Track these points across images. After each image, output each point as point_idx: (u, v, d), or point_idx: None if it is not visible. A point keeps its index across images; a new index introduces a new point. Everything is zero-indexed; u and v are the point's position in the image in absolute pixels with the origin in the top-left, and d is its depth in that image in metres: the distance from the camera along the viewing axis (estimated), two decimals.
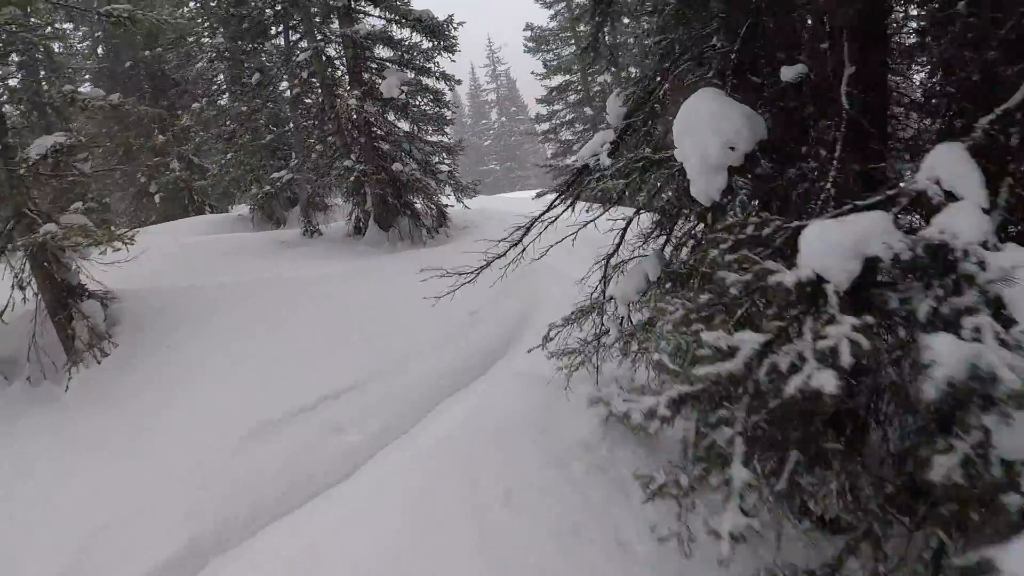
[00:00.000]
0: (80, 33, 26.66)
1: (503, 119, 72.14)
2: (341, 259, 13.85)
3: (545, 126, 32.77)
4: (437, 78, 15.68)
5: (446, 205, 16.48)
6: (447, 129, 16.29)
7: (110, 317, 10.28)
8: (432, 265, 6.32)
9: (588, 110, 30.71)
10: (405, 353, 9.30)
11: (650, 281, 5.24)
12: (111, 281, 10.50)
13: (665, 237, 5.59)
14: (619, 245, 5.87)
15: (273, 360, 9.13)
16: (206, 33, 20.23)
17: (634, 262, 5.67)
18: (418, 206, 15.92)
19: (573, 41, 30.56)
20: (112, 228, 9.84)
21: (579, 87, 31.06)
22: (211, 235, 17.23)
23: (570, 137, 32.35)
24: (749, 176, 4.07)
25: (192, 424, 7.98)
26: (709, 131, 3.89)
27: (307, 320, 10.18)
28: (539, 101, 31.96)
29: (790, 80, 4.16)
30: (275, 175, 16.75)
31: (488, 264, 5.79)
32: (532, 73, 31.80)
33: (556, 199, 5.76)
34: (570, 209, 5.75)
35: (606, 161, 4.91)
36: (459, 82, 15.91)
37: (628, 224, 5.72)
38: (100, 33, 25.81)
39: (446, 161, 16.30)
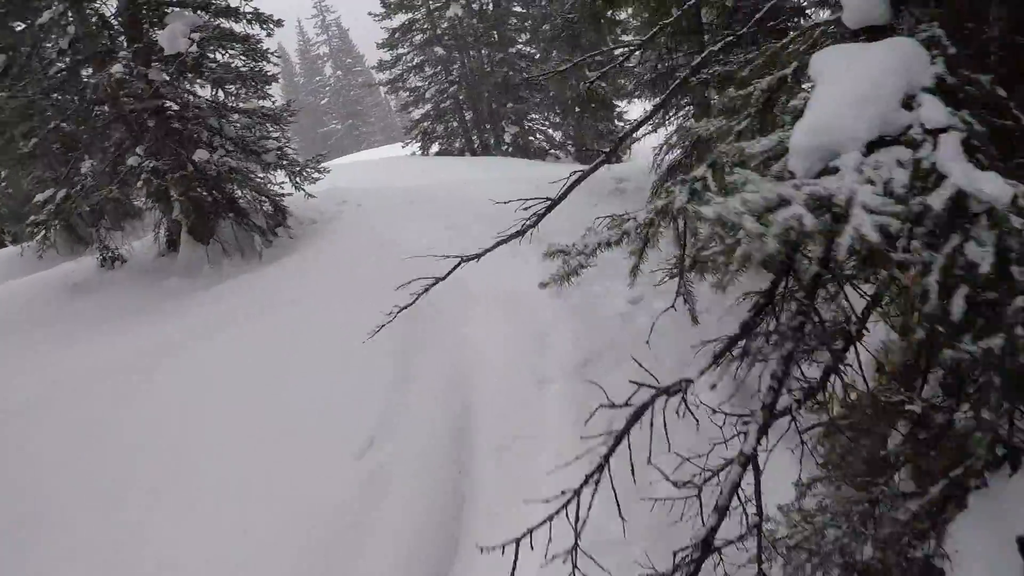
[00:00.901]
0: None
1: (339, 73, 66.29)
2: (133, 319, 9.16)
3: (388, 74, 28.22)
4: (249, 20, 11.23)
5: (281, 195, 11.96)
6: (271, 90, 11.64)
7: None
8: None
9: (439, 50, 26.46)
10: None
11: None
12: None
13: None
14: None
15: None
16: None
17: None
18: (244, 203, 11.45)
19: None
20: None
21: (425, 25, 26.72)
22: None
23: (419, 83, 28.03)
24: None
25: None
26: None
27: None
28: (380, 46, 27.35)
29: None
30: (40, 197, 11.53)
31: None
32: (369, 14, 27.11)
33: None
34: None
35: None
36: (280, 23, 11.31)
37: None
38: None
39: (272, 134, 11.67)
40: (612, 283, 7.38)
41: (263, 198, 11.49)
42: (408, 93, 28.31)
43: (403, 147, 29.80)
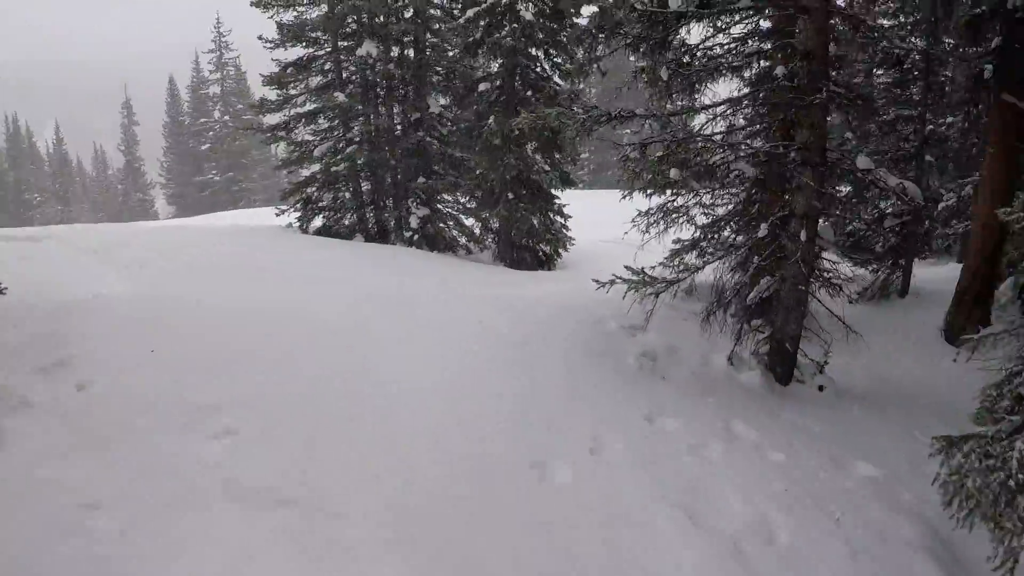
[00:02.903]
0: None
1: (227, 118, 59.47)
2: None
3: (275, 118, 21.70)
4: None
5: None
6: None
7: None
8: None
9: (339, 95, 20.32)
10: None
11: None
12: None
13: None
14: None
15: None
16: None
17: None
18: None
19: None
20: None
21: (327, 65, 20.85)
22: None
23: (309, 137, 21.53)
24: None
25: None
26: None
27: None
28: (266, 81, 21.07)
29: None
30: None
31: None
32: (259, 39, 21.05)
33: None
34: None
35: None
36: None
37: None
38: None
39: None
40: None
41: None
42: (293, 148, 21.79)
43: (277, 215, 22.78)
